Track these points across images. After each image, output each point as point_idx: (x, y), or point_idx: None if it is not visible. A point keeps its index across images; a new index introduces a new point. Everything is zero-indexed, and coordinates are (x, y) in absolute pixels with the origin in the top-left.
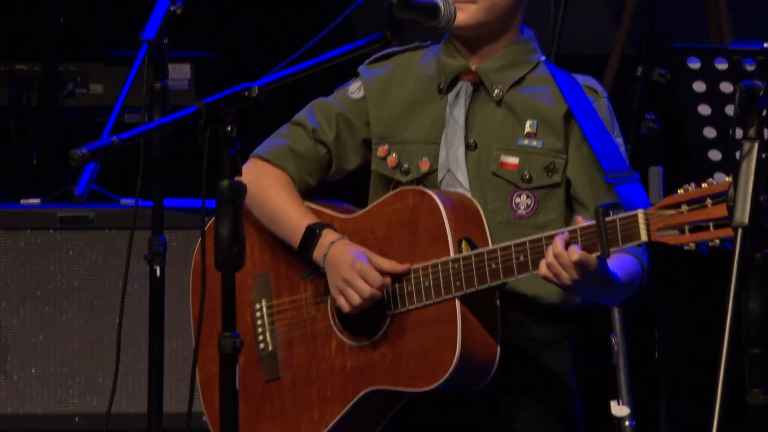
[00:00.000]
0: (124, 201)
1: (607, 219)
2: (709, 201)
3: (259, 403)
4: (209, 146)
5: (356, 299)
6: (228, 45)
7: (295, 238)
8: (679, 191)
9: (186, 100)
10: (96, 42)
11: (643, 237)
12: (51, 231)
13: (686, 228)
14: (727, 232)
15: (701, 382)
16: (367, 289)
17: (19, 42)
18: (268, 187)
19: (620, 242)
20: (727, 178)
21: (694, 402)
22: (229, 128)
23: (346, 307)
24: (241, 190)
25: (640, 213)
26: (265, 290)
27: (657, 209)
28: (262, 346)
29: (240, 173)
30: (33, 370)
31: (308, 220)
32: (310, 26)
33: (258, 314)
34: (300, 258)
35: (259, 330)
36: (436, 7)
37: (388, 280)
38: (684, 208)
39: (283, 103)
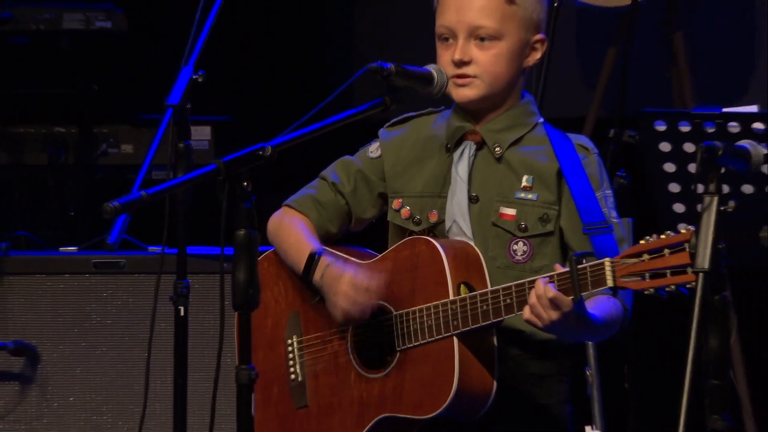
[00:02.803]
0: (152, 249)
1: (579, 266)
2: (666, 251)
3: (291, 427)
4: (227, 200)
5: (349, 315)
6: (244, 109)
7: (299, 266)
8: (641, 242)
9: (206, 158)
10: (126, 106)
11: (609, 283)
12: (87, 275)
13: (647, 275)
14: (682, 279)
15: (666, 410)
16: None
17: (57, 107)
18: (287, 228)
19: (590, 287)
20: (683, 231)
21: (661, 428)
22: (245, 183)
23: (339, 318)
24: (256, 239)
25: (607, 261)
26: (296, 327)
27: (622, 258)
28: (292, 377)
29: (255, 224)
30: (71, 399)
31: (312, 247)
32: (316, 92)
33: (290, 349)
34: (305, 282)
35: (290, 363)
36: (430, 77)
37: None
38: (645, 257)
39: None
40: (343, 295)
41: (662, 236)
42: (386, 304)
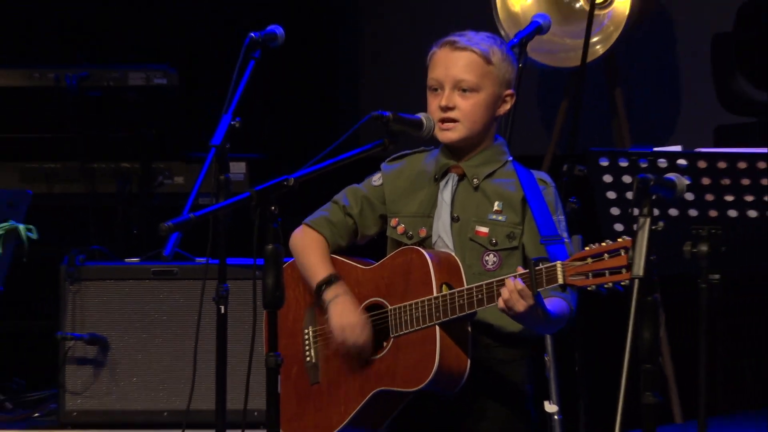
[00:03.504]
0: (198, 259)
1: (537, 268)
2: (606, 255)
3: (306, 399)
4: (258, 221)
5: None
6: (272, 149)
7: (312, 284)
8: (586, 248)
9: (242, 188)
10: (178, 146)
11: (560, 280)
12: (147, 281)
13: (590, 274)
14: (617, 277)
15: (609, 388)
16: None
17: (124, 147)
18: (306, 247)
19: (545, 284)
20: (618, 240)
21: (604, 402)
22: (273, 208)
23: (343, 345)
24: (281, 252)
25: (558, 264)
26: (311, 320)
27: (570, 261)
28: (308, 359)
29: (281, 240)
30: (134, 379)
31: (323, 273)
32: (330, 135)
33: (306, 337)
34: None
35: (306, 348)
36: (420, 122)
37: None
38: (589, 260)
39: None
40: (339, 332)
41: (602, 244)
42: (383, 300)
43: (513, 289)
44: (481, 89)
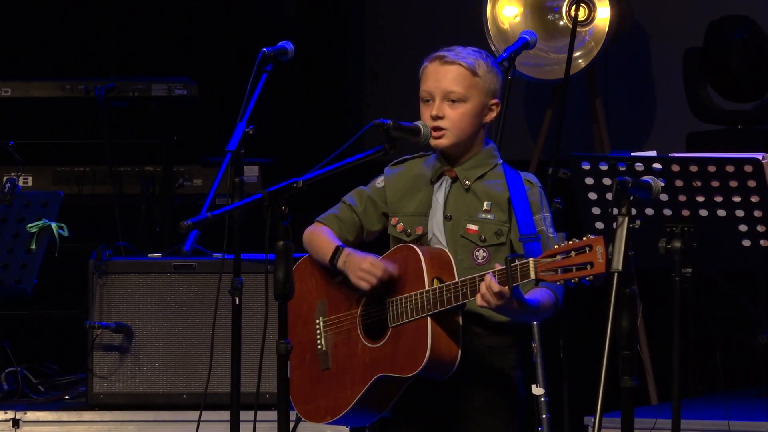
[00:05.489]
0: (215, 255)
1: (512, 264)
2: (573, 253)
3: (318, 383)
4: (270, 219)
5: (368, 283)
6: (283, 154)
7: (327, 258)
8: (555, 246)
9: (255, 189)
10: (197, 152)
11: (533, 276)
12: (168, 274)
13: (559, 270)
14: (583, 273)
15: (591, 372)
16: (376, 276)
17: (147, 152)
18: (318, 234)
19: (519, 279)
20: (584, 238)
21: (587, 385)
22: (283, 207)
23: (364, 286)
24: (291, 248)
25: (531, 261)
26: (323, 311)
27: (542, 258)
28: (319, 346)
29: (291, 237)
30: (156, 364)
31: (332, 248)
32: (336, 141)
33: (318, 326)
34: (332, 271)
35: (318, 336)
36: (418, 129)
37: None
38: (558, 257)
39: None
40: (367, 267)
41: (570, 242)
42: (383, 292)
43: (488, 286)
44: (469, 99)
